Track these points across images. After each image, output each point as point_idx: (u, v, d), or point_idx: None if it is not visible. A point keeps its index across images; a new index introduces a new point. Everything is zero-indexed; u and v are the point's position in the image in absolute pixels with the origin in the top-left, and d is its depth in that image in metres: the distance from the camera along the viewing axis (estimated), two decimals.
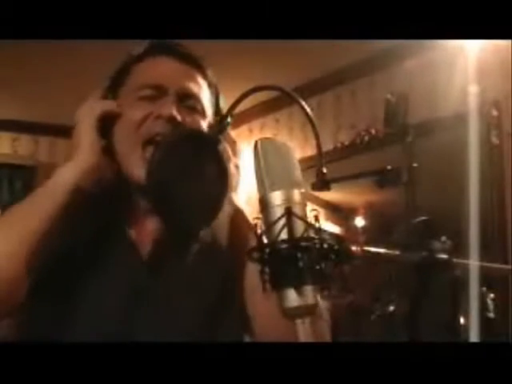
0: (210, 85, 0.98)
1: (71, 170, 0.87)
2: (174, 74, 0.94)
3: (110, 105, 0.93)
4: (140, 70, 0.95)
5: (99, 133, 0.90)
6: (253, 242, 0.62)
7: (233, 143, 0.93)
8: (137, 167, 0.89)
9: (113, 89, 0.96)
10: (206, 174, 0.82)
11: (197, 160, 0.82)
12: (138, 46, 0.97)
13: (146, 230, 0.94)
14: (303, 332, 0.60)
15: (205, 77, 0.97)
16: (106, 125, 0.91)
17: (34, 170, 3.88)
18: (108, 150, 0.91)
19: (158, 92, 0.92)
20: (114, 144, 0.92)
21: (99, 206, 0.94)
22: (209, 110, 0.96)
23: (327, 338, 0.90)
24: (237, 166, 0.91)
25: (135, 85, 0.94)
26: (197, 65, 0.97)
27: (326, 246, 0.62)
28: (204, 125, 0.94)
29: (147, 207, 0.92)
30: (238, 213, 0.93)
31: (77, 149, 0.89)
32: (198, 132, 0.88)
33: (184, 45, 0.98)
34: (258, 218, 0.64)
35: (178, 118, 0.90)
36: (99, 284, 0.87)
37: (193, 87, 0.94)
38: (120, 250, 0.91)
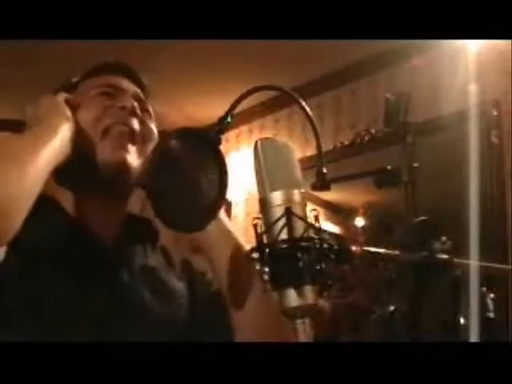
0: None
1: (55, 123, 0.84)
2: (127, 82, 0.98)
3: (68, 95, 0.93)
4: (89, 82, 0.97)
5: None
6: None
7: None
8: (103, 152, 0.89)
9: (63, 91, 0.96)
10: (205, 174, 0.82)
11: (196, 160, 0.82)
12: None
13: (108, 222, 0.93)
14: (303, 332, 0.60)
15: (147, 96, 1.00)
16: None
17: None
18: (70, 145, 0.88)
19: (116, 91, 0.95)
20: (75, 136, 0.89)
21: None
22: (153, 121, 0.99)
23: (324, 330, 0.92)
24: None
25: (91, 86, 0.95)
26: (140, 84, 1.00)
27: (325, 246, 0.62)
28: (155, 128, 0.97)
29: (112, 198, 0.93)
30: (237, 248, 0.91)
31: (50, 113, 0.86)
32: (198, 132, 0.88)
33: (126, 64, 1.01)
34: (258, 218, 0.64)
35: (139, 112, 0.93)
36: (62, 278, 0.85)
37: (143, 96, 0.99)
38: (80, 242, 0.90)
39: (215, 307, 0.93)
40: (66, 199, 0.93)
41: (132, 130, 0.92)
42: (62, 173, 0.88)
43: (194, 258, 1.02)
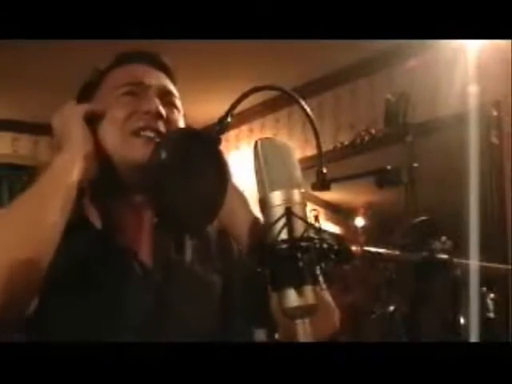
0: (175, 87, 1.01)
1: (71, 158, 0.86)
2: (150, 74, 0.97)
3: (90, 106, 0.94)
4: (114, 75, 0.97)
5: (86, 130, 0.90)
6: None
7: None
8: (131, 151, 0.90)
9: (86, 95, 0.97)
10: (205, 174, 0.82)
11: (196, 160, 0.82)
12: (105, 62, 1.00)
13: (141, 232, 0.94)
14: (303, 332, 0.60)
15: (173, 80, 1.00)
16: (89, 125, 0.91)
17: (34, 170, 3.88)
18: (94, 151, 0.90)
19: (140, 88, 0.94)
20: (100, 142, 0.91)
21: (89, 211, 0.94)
22: (181, 111, 0.99)
23: (335, 325, 0.92)
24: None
25: (113, 85, 0.95)
26: (165, 68, 1.00)
27: (325, 246, 0.62)
28: (182, 122, 0.97)
29: (142, 202, 0.93)
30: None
31: (67, 142, 0.88)
32: (198, 132, 0.88)
33: (151, 51, 1.01)
34: (258, 218, 0.64)
35: (164, 113, 0.93)
36: (98, 293, 0.87)
37: (169, 85, 0.98)
38: (116, 259, 0.91)
39: (253, 288, 0.93)
40: (96, 213, 0.94)
41: (158, 134, 0.92)
42: (96, 185, 0.91)
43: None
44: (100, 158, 0.90)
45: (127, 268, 0.91)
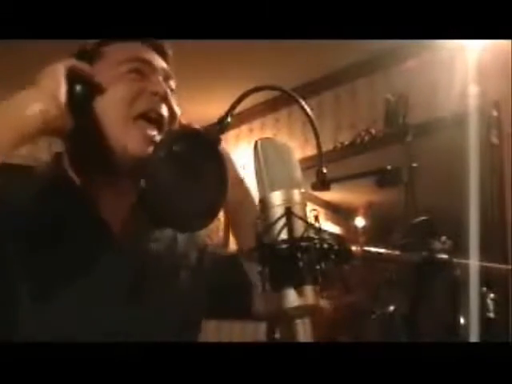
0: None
1: (36, 94, 0.80)
2: (153, 54, 0.95)
3: (83, 64, 0.89)
4: (115, 50, 0.93)
5: (68, 88, 0.83)
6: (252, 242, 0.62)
7: None
8: (132, 142, 0.87)
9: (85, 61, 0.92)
10: (205, 175, 0.82)
11: (196, 160, 0.82)
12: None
13: (119, 211, 0.93)
14: (303, 332, 0.60)
15: (171, 67, 0.98)
16: (86, 100, 0.85)
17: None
18: (89, 125, 0.86)
19: (147, 67, 0.92)
20: (98, 117, 0.87)
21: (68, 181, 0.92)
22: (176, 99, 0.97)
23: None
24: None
25: (115, 60, 0.91)
26: (164, 54, 0.97)
27: (325, 246, 0.62)
28: (177, 109, 0.95)
29: (126, 186, 0.91)
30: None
31: (39, 86, 0.82)
32: (198, 132, 0.88)
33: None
34: (258, 218, 0.64)
35: (170, 97, 0.92)
36: (69, 264, 0.85)
37: (169, 70, 0.96)
38: (91, 230, 0.89)
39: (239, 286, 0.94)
40: (81, 182, 0.92)
41: (162, 117, 0.90)
42: (80, 155, 0.90)
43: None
44: (92, 134, 0.86)
45: (100, 234, 0.89)
